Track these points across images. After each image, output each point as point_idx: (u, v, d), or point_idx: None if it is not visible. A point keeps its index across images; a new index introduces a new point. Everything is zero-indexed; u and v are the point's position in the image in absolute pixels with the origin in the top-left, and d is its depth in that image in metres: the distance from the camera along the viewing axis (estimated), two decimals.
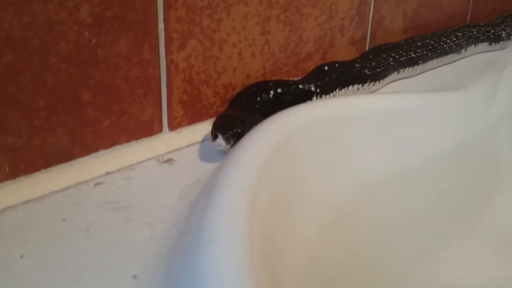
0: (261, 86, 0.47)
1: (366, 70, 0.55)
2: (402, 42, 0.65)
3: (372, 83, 0.56)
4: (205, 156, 0.44)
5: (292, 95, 0.48)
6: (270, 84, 0.48)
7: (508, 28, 0.77)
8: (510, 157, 0.70)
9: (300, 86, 0.49)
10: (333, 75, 0.52)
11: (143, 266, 0.31)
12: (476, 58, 0.75)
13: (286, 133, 0.40)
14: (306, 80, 0.51)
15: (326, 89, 0.50)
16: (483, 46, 0.75)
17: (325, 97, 0.50)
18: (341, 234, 0.42)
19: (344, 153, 0.46)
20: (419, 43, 0.63)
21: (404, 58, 0.61)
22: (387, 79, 0.59)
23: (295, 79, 0.51)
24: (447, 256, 0.53)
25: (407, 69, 0.62)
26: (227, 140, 0.40)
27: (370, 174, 0.48)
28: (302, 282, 0.35)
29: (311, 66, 0.60)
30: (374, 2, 0.66)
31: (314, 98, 0.49)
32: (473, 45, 0.72)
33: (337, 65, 0.55)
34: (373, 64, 0.57)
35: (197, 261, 0.25)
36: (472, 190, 0.61)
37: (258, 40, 0.52)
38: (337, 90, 0.51)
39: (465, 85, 0.61)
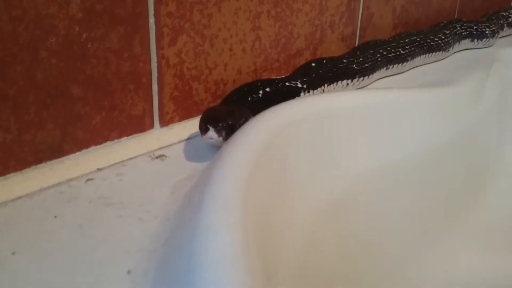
0: (251, 86, 0.48)
1: (354, 66, 0.56)
2: (390, 39, 0.65)
3: (361, 78, 0.56)
4: (196, 151, 0.43)
5: (280, 92, 0.48)
6: (259, 84, 0.48)
7: (493, 25, 0.77)
8: (498, 153, 0.71)
9: (287, 84, 0.49)
10: (320, 71, 0.52)
11: (137, 261, 0.30)
12: (464, 55, 0.75)
13: (277, 128, 0.40)
14: (293, 77, 0.51)
15: (314, 85, 0.51)
16: (466, 43, 0.76)
17: (313, 93, 0.50)
18: (333, 228, 0.42)
19: (333, 148, 0.46)
20: (407, 40, 0.64)
21: (393, 54, 0.61)
22: (376, 75, 0.60)
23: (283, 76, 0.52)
24: (436, 251, 0.54)
25: (395, 65, 0.62)
26: (218, 132, 0.39)
27: (359, 169, 0.48)
28: (295, 275, 0.35)
29: (301, 62, 0.60)
30: None
31: (302, 94, 0.50)
32: (457, 43, 0.73)
33: (324, 61, 0.55)
34: (361, 59, 0.57)
35: (192, 254, 0.25)
36: (461, 185, 0.62)
37: (249, 36, 0.52)
38: (326, 85, 0.51)
39: (453, 81, 0.61)
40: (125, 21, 0.41)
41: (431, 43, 0.66)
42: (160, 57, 0.44)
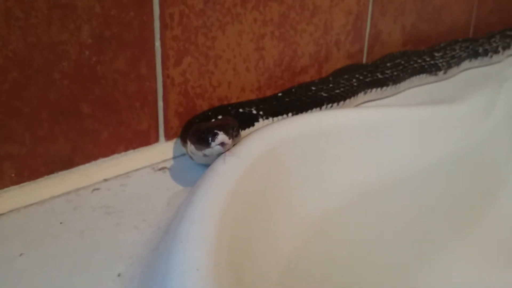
0: (202, 116, 0.49)
1: (323, 93, 0.56)
2: (369, 64, 0.65)
3: (330, 105, 0.56)
4: (196, 165, 0.47)
5: (234, 119, 0.46)
6: (210, 113, 0.49)
7: (495, 43, 0.78)
8: (508, 169, 0.71)
9: (240, 110, 0.50)
10: (286, 99, 0.53)
11: (127, 265, 0.34)
12: (469, 72, 0.76)
13: (267, 146, 0.43)
14: (248, 103, 0.52)
15: (273, 112, 0.51)
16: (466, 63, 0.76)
17: (273, 120, 0.51)
18: (321, 246, 0.45)
19: (329, 165, 0.49)
20: (387, 64, 0.63)
21: (370, 78, 0.61)
22: (352, 101, 0.59)
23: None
24: (437, 267, 0.55)
25: (374, 89, 0.62)
26: (228, 134, 0.39)
27: (355, 186, 0.50)
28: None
29: (306, 79, 0.63)
30: (371, 17, 0.69)
31: (261, 120, 0.50)
32: (455, 66, 0.73)
33: (293, 89, 0.56)
34: (331, 85, 0.57)
35: (168, 260, 0.29)
36: (465, 201, 0.63)
37: (252, 56, 0.55)
38: (290, 114, 0.52)
39: (457, 99, 0.63)
40: (132, 45, 0.45)
41: (415, 65, 0.67)
42: (166, 76, 0.48)
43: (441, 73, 0.70)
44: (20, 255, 0.35)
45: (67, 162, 0.44)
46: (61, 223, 0.39)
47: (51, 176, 0.43)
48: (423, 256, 0.54)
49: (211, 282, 0.26)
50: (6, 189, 0.40)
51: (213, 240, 0.29)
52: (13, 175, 0.41)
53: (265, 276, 0.36)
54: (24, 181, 0.42)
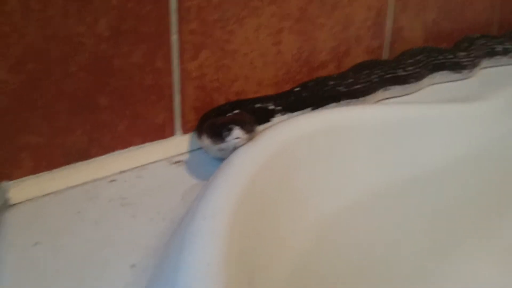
0: (220, 110, 0.49)
1: (341, 88, 0.55)
2: (389, 60, 0.64)
3: (348, 101, 0.55)
4: (212, 159, 0.47)
5: (251, 114, 0.46)
6: (226, 107, 0.49)
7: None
8: None
9: (258, 105, 0.50)
10: (304, 94, 0.53)
11: (141, 257, 0.34)
12: (489, 71, 0.75)
13: (282, 143, 0.42)
14: (266, 98, 0.52)
15: (290, 108, 0.51)
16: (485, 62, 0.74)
17: (290, 116, 0.50)
18: (333, 246, 0.44)
19: (344, 163, 0.48)
20: (409, 60, 0.62)
21: (391, 75, 0.60)
22: (371, 97, 0.58)
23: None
24: (451, 272, 0.54)
25: (395, 86, 0.60)
26: (244, 129, 0.40)
27: (370, 185, 0.49)
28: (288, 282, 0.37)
29: (325, 74, 0.62)
30: (392, 12, 0.68)
31: (278, 115, 0.50)
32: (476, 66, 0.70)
33: (310, 84, 0.55)
34: (350, 81, 0.56)
35: (179, 255, 0.29)
36: (484, 201, 0.61)
37: (270, 50, 0.55)
38: (307, 109, 0.51)
39: (478, 97, 0.62)
40: (149, 38, 0.45)
41: (437, 62, 0.65)
42: (182, 70, 0.48)
43: (466, 71, 0.69)
44: (35, 244, 0.35)
45: (84, 153, 0.44)
46: (77, 212, 0.39)
47: (68, 166, 0.43)
48: (439, 259, 0.53)
49: (221, 277, 0.26)
50: (23, 178, 0.41)
51: (224, 236, 0.29)
52: (31, 165, 0.41)
53: (275, 274, 0.36)
54: (42, 171, 0.42)
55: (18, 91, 0.39)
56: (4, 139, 0.39)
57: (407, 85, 0.61)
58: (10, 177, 0.40)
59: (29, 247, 0.35)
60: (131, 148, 0.47)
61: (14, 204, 0.39)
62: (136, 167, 0.46)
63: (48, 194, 0.41)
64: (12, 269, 0.32)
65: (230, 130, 0.40)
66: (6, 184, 0.40)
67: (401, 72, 0.61)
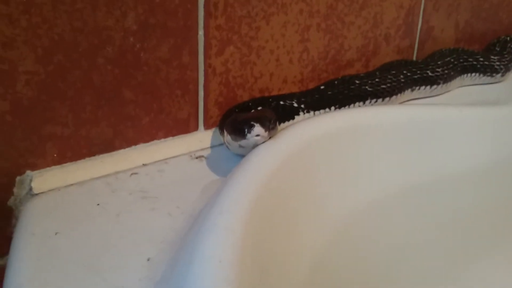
0: (242, 106, 0.49)
1: (367, 87, 0.54)
2: (419, 60, 0.62)
3: (374, 100, 0.55)
4: (233, 154, 0.47)
5: (274, 112, 0.46)
6: (250, 104, 0.49)
7: None
8: None
9: (281, 103, 0.49)
10: (329, 93, 0.52)
11: (157, 251, 0.35)
12: None
13: (304, 141, 0.42)
14: (290, 96, 0.51)
15: (315, 106, 0.50)
16: None
17: (314, 114, 0.50)
18: (351, 246, 0.44)
19: (366, 163, 0.48)
20: (438, 62, 0.61)
21: (419, 75, 0.59)
22: (397, 98, 0.57)
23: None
24: (472, 277, 0.53)
25: (423, 87, 0.59)
26: (265, 126, 0.39)
27: (391, 186, 0.49)
28: (304, 280, 0.37)
29: (352, 73, 0.62)
30: (423, 12, 0.67)
31: (302, 113, 0.50)
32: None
33: (336, 82, 0.54)
34: (376, 80, 0.55)
35: (193, 249, 0.29)
36: (506, 206, 0.60)
37: (296, 47, 0.54)
38: (332, 108, 0.51)
39: (507, 101, 0.60)
40: (176, 33, 0.45)
41: (466, 64, 0.64)
42: (207, 66, 0.48)
43: (498, 75, 0.67)
44: (56, 233, 0.36)
45: (108, 146, 0.45)
46: (98, 204, 0.40)
47: (92, 158, 0.44)
48: (459, 262, 0.52)
49: (233, 274, 0.26)
50: (48, 168, 0.42)
51: (238, 232, 0.29)
52: (55, 155, 0.42)
53: (291, 273, 0.36)
54: (66, 162, 0.43)
55: (46, 82, 0.40)
56: (30, 129, 0.40)
57: (435, 86, 0.60)
58: (34, 166, 0.41)
59: (49, 236, 0.35)
60: (154, 141, 0.47)
61: (37, 194, 0.40)
62: (158, 161, 0.46)
63: (70, 185, 0.42)
64: (33, 257, 0.33)
65: (251, 127, 0.40)
66: (30, 173, 0.41)
67: (429, 73, 0.60)
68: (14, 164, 0.40)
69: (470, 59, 0.64)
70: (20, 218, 0.38)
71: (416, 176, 0.50)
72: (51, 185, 0.41)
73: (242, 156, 0.42)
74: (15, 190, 0.40)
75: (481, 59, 0.65)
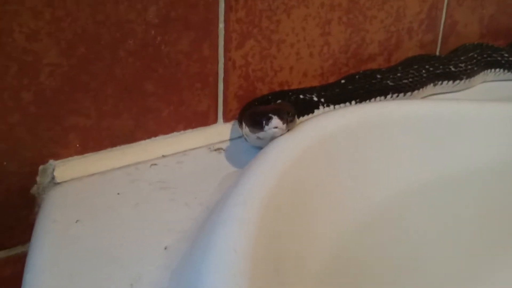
0: (262, 100, 0.49)
1: (389, 81, 0.54)
2: (441, 55, 0.62)
3: (396, 95, 0.54)
4: (251, 148, 0.47)
5: (293, 105, 0.46)
6: (269, 97, 0.49)
7: None
8: None
9: (301, 96, 0.49)
10: (350, 87, 0.52)
11: (174, 240, 0.35)
12: None
13: (323, 135, 0.42)
14: (310, 89, 0.51)
15: (335, 100, 0.50)
16: None
17: (334, 108, 0.50)
18: (368, 244, 0.44)
19: (386, 159, 0.48)
20: (462, 57, 0.60)
21: (441, 70, 0.58)
22: (419, 92, 0.56)
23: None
24: (490, 278, 0.52)
25: (445, 82, 0.59)
26: (283, 119, 0.40)
27: (411, 183, 0.49)
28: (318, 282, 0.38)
29: (373, 67, 0.61)
30: (447, 7, 0.66)
31: (322, 107, 0.50)
32: None
33: (357, 76, 0.54)
34: (398, 74, 0.54)
35: (209, 239, 0.29)
36: None
37: (317, 41, 0.54)
38: (353, 102, 0.51)
39: None
40: (197, 26, 0.46)
41: (489, 59, 0.63)
42: (227, 59, 0.48)
43: None
44: (76, 221, 0.37)
45: (129, 137, 0.46)
46: (118, 194, 0.41)
47: (114, 149, 0.45)
48: (476, 263, 0.52)
49: (247, 264, 0.27)
50: (70, 158, 0.43)
51: (253, 224, 0.29)
52: (78, 145, 0.43)
53: (304, 268, 0.36)
54: (88, 152, 0.44)
55: (69, 74, 0.41)
56: (53, 120, 0.41)
57: (457, 82, 0.59)
58: (57, 156, 0.42)
59: (70, 224, 0.36)
60: (173, 133, 0.48)
61: (59, 183, 0.41)
62: (177, 153, 0.47)
63: (92, 174, 0.43)
64: (54, 244, 0.34)
65: (269, 119, 0.40)
66: (53, 163, 0.42)
67: (452, 68, 0.59)
68: (38, 154, 0.42)
69: (494, 55, 0.63)
70: (42, 206, 0.39)
71: (438, 171, 0.50)
72: (73, 174, 0.42)
73: (260, 148, 0.42)
74: (38, 178, 0.42)
75: (506, 54, 0.64)
